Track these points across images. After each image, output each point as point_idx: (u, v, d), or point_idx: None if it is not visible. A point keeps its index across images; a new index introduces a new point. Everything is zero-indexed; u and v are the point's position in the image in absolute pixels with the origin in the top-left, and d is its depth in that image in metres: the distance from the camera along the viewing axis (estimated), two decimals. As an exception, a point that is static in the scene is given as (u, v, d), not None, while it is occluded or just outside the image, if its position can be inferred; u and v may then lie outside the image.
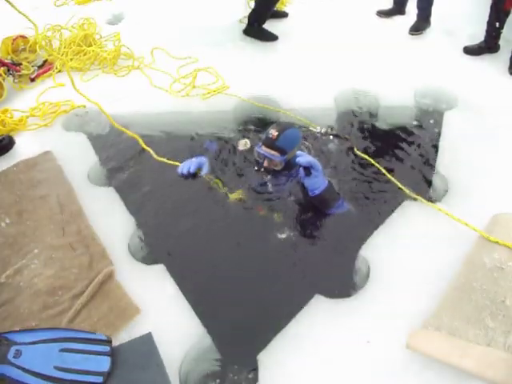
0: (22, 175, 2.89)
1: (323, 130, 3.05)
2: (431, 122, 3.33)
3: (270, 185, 2.72)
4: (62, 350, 1.84)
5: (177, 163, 2.91)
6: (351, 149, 3.00)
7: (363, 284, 2.18)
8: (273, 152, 2.55)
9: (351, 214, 2.57)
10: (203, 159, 2.91)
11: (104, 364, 1.81)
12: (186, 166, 2.83)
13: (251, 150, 2.79)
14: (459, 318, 1.89)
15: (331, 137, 3.03)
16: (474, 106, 3.27)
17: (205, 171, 2.82)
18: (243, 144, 2.82)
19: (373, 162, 2.86)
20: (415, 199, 2.54)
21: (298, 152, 2.49)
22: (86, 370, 1.79)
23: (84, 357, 1.83)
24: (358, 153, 2.96)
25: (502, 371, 1.68)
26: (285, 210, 2.66)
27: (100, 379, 1.77)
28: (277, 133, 2.53)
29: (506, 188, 2.57)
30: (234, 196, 2.64)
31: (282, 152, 2.54)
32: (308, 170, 2.42)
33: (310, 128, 3.08)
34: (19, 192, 2.78)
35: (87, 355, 1.83)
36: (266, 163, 2.62)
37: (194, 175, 2.84)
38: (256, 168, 2.69)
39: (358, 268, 2.34)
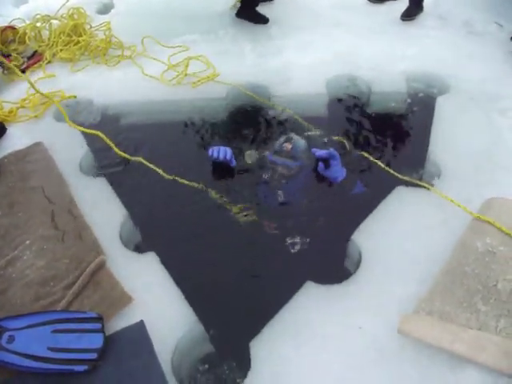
0: (13, 167, 2.87)
1: (318, 133, 3.07)
2: (423, 107, 3.33)
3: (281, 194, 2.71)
4: (55, 331, 1.86)
5: (185, 182, 2.79)
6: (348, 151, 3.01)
7: (355, 270, 2.18)
8: (290, 161, 2.63)
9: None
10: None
11: (97, 340, 1.83)
12: (221, 152, 2.70)
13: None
14: (451, 302, 1.89)
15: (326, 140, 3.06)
16: (467, 91, 3.27)
17: (233, 164, 2.79)
18: (249, 156, 2.81)
19: (365, 155, 2.86)
20: (417, 185, 2.55)
21: (313, 149, 2.60)
22: (80, 347, 1.82)
23: (77, 335, 1.85)
24: (353, 151, 2.98)
25: (494, 354, 1.69)
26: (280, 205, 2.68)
27: (94, 355, 1.79)
28: (290, 146, 2.64)
29: (498, 172, 2.57)
30: (243, 219, 2.63)
31: (298, 159, 2.65)
32: (327, 161, 2.54)
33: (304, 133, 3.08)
34: (10, 184, 2.75)
35: (80, 334, 1.85)
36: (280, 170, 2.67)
37: (225, 165, 2.78)
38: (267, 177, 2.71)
39: (350, 254, 2.35)
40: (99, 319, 1.90)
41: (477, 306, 1.87)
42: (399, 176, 2.62)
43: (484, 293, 1.90)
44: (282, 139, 2.72)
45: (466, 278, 1.96)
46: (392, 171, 2.66)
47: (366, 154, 2.85)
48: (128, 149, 3.11)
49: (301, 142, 2.69)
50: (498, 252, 2.04)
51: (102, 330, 1.86)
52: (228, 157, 2.71)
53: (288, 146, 2.62)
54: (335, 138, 3.03)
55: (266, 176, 2.70)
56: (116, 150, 3.00)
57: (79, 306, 2.05)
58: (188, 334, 1.97)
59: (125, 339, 1.89)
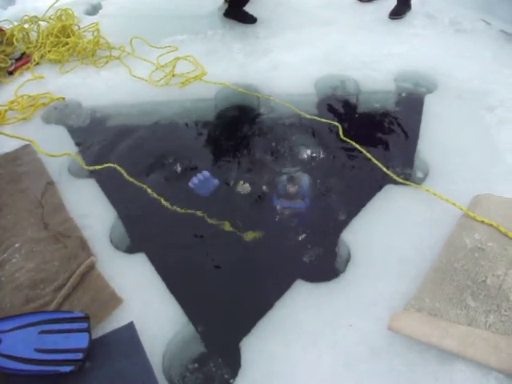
0: (2, 169, 2.85)
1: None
2: (412, 105, 3.34)
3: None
4: (41, 332, 1.84)
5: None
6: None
7: (344, 268, 2.18)
8: (297, 202, 2.62)
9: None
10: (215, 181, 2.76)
11: (83, 340, 1.82)
12: (204, 187, 2.71)
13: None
14: (441, 298, 1.90)
15: None
16: (455, 89, 3.28)
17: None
18: (242, 187, 2.80)
19: (359, 147, 2.87)
20: (403, 183, 2.55)
21: None
22: (66, 348, 1.80)
23: (63, 336, 1.83)
24: (345, 139, 2.99)
25: (483, 350, 1.70)
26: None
27: (80, 355, 1.77)
28: (295, 187, 2.63)
29: (486, 170, 2.58)
30: (249, 236, 2.60)
31: (304, 198, 2.63)
32: None
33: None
34: (-1, 186, 2.75)
35: (66, 334, 1.84)
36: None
37: None
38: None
39: (339, 252, 2.36)
40: (86, 319, 1.89)
41: (466, 301, 1.87)
42: (390, 174, 2.63)
43: (473, 289, 1.91)
44: (284, 180, 2.67)
45: (455, 275, 1.97)
46: (385, 169, 2.68)
47: (359, 147, 2.87)
48: (116, 150, 3.12)
49: (305, 180, 2.65)
50: (487, 248, 2.05)
51: (87, 330, 1.85)
52: (211, 188, 2.70)
53: (291, 188, 2.59)
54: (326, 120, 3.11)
55: (272, 218, 2.65)
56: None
57: (69, 308, 2.04)
58: (178, 335, 1.97)
59: (115, 340, 1.88)
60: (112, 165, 2.91)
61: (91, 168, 2.91)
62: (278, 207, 2.64)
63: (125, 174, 2.84)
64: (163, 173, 3.01)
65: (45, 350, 1.80)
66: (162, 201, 2.67)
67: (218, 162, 3.09)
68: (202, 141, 3.29)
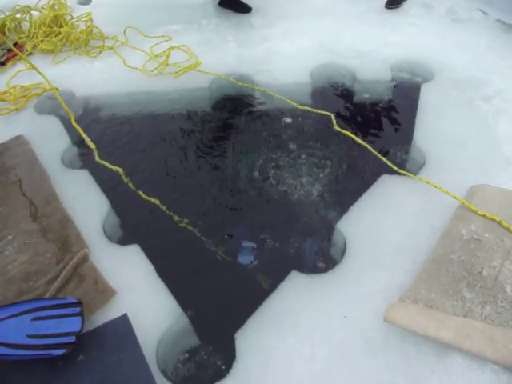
0: (-6, 161, 2.83)
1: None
2: (408, 95, 3.32)
3: None
4: (34, 319, 1.85)
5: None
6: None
7: (340, 259, 2.17)
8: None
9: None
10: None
11: (76, 324, 1.83)
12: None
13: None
14: (436, 289, 1.89)
15: None
16: (451, 79, 3.26)
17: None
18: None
19: (355, 137, 2.85)
20: (400, 173, 2.54)
21: None
22: (59, 332, 1.81)
23: (56, 321, 1.84)
24: (339, 129, 2.97)
25: (479, 342, 1.69)
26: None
27: (72, 338, 1.79)
28: (324, 264, 2.38)
29: (482, 160, 2.57)
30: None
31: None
32: None
33: None
34: (-9, 178, 2.72)
35: (59, 319, 1.85)
36: None
37: None
38: None
39: (335, 243, 2.35)
40: (79, 303, 1.90)
41: (462, 293, 1.87)
42: (388, 163, 2.60)
43: (469, 280, 1.91)
44: (313, 251, 2.47)
45: (451, 266, 1.96)
46: (382, 158, 2.66)
47: (354, 137, 2.85)
48: (110, 141, 3.11)
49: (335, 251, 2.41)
50: (483, 239, 2.04)
51: (80, 314, 1.86)
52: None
53: (321, 264, 2.36)
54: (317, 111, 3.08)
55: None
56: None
57: (62, 301, 2.03)
58: (173, 327, 1.96)
59: (109, 333, 1.87)
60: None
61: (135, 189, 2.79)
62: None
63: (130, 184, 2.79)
64: (157, 163, 2.98)
65: (37, 335, 1.81)
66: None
67: (213, 153, 3.07)
68: (195, 131, 3.25)
